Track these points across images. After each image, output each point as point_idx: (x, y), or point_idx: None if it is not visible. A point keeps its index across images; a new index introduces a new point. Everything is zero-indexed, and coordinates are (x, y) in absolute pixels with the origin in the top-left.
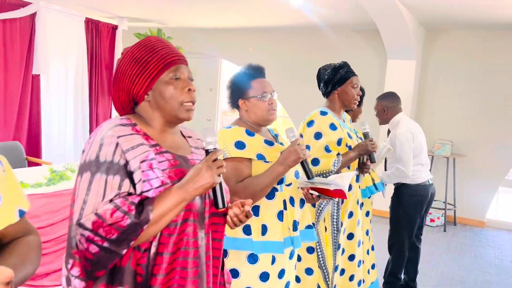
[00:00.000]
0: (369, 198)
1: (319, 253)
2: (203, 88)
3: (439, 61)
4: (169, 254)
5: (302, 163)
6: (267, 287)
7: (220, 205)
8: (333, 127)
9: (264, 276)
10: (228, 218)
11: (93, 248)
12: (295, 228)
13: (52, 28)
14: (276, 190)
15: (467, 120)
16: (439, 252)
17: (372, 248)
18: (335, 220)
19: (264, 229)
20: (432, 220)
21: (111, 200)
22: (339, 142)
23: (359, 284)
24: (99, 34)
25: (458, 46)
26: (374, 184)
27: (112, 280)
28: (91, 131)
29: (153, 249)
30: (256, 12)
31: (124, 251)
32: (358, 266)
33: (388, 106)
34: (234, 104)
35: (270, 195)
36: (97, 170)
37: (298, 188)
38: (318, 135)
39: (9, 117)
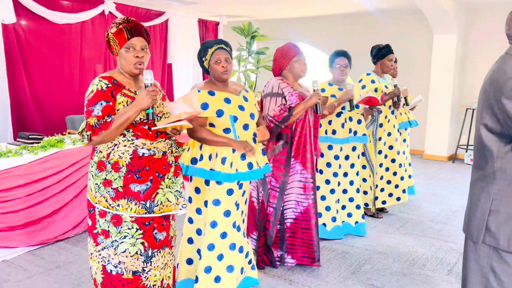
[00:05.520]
0: (406, 129)
1: (366, 153)
2: None
3: (479, 32)
4: (300, 129)
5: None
6: (338, 164)
7: (318, 112)
8: (372, 82)
9: (336, 157)
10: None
11: (270, 125)
12: (354, 133)
13: (178, 29)
14: (342, 112)
15: None
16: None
17: (410, 164)
18: (374, 135)
19: (334, 132)
20: (472, 160)
21: (279, 106)
22: (375, 90)
23: (402, 179)
24: (207, 30)
25: (495, 19)
26: (408, 121)
27: (277, 139)
28: None
29: (293, 128)
30: (326, 3)
31: (283, 127)
32: (400, 167)
33: None
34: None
35: (339, 115)
36: (273, 95)
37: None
38: (363, 87)
39: None
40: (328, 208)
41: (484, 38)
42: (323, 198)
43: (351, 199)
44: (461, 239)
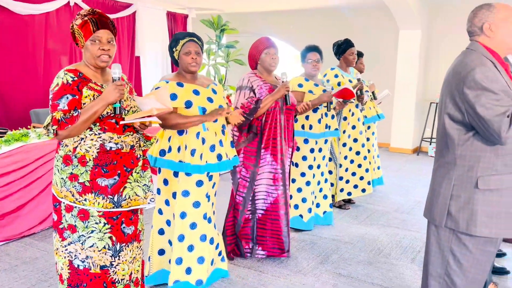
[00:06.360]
0: (374, 123)
1: (330, 146)
2: None
3: (442, 28)
4: (270, 121)
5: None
6: (313, 157)
7: (288, 103)
8: (336, 76)
9: (311, 150)
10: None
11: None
12: (328, 128)
13: (146, 21)
14: (318, 108)
15: None
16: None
17: (378, 156)
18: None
19: (311, 127)
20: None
21: (247, 99)
22: (339, 84)
23: (367, 171)
24: (176, 22)
25: (457, 16)
26: (377, 115)
27: (248, 130)
28: None
29: (263, 120)
30: None
31: (252, 118)
32: (364, 159)
33: None
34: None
35: (316, 110)
36: (242, 89)
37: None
38: (328, 81)
39: None
40: (304, 200)
41: (446, 34)
42: (299, 190)
43: (321, 190)
44: (424, 228)
